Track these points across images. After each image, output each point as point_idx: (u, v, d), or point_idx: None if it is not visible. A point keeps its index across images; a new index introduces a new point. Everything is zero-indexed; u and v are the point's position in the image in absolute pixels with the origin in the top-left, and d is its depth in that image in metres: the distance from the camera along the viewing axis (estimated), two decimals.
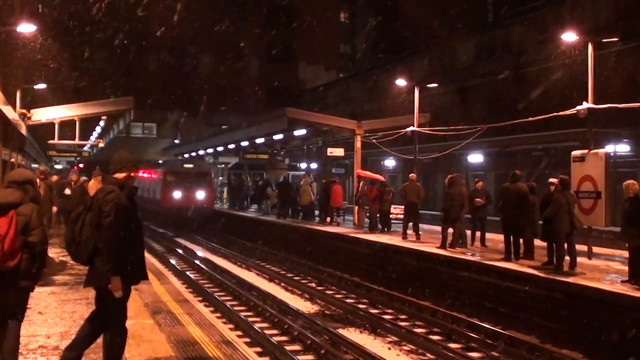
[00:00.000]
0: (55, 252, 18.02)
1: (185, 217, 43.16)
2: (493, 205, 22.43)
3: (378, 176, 29.99)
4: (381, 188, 27.58)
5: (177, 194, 44.33)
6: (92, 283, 7.26)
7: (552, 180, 17.40)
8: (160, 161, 64.45)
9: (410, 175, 25.88)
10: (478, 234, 22.49)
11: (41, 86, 38.22)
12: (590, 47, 19.85)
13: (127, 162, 7.51)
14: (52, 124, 30.21)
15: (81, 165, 56.84)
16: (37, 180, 16.68)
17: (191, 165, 47.65)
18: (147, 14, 78.01)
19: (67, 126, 31.68)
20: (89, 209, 7.22)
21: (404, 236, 24.57)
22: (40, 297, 12.32)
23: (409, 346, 14.75)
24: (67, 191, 22.29)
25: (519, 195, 18.14)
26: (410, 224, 25.04)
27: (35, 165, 40.10)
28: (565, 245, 16.68)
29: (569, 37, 23.21)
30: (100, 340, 7.41)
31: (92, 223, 7.11)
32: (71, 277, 14.83)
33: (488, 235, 22.47)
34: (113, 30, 74.10)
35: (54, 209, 22.05)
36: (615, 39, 22.78)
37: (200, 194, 44.59)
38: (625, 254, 15.89)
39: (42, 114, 29.64)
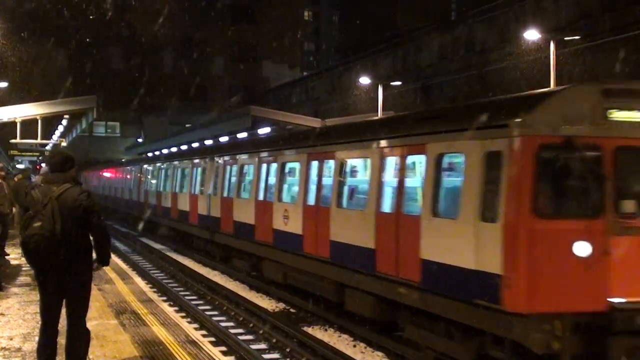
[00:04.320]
0: (17, 252, 17.78)
1: None
2: None
3: None
4: None
5: None
6: (80, 281, 7.13)
7: None
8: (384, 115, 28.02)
9: None
10: None
11: (3, 84, 37.74)
12: (552, 45, 20.12)
13: (73, 158, 7.43)
14: (14, 123, 29.90)
15: (44, 165, 56.00)
16: None
17: None
18: (112, 13, 77.57)
19: (29, 125, 31.32)
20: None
21: None
22: (2, 299, 12.17)
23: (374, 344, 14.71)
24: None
25: None
26: None
27: None
28: None
29: (532, 35, 23.49)
30: (63, 341, 7.32)
31: (75, 222, 6.89)
32: (33, 279, 14.63)
33: None
34: (76, 28, 73.52)
35: (14, 209, 21.63)
36: (577, 37, 23.05)
37: None
38: None
39: (3, 113, 29.29)
